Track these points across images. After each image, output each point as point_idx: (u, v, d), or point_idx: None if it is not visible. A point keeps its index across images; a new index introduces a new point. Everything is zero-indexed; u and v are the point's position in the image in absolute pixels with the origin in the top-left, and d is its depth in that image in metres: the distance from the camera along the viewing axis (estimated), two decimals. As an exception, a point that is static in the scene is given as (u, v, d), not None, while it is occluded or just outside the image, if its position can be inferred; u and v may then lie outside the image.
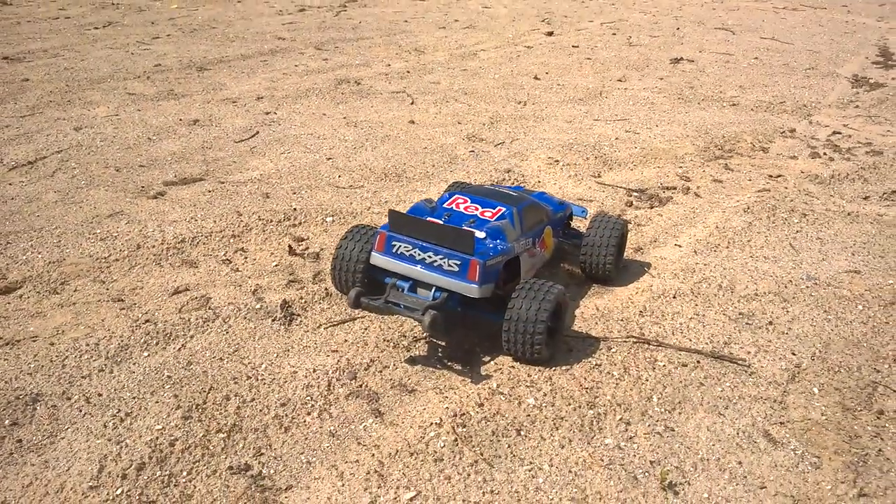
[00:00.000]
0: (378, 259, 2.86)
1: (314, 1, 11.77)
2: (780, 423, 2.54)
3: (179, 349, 2.86)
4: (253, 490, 2.20)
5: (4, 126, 5.31)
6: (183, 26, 9.36)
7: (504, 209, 3.05)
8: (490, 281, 2.74)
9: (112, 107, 5.91)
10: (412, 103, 6.43)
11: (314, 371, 2.75)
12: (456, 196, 3.17)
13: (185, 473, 2.25)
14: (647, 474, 2.30)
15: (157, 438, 2.37)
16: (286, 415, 2.53)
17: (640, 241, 3.95)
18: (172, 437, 2.38)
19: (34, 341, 2.86)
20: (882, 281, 3.55)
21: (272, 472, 2.29)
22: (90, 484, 2.17)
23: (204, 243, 3.72)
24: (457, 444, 2.39)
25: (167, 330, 2.96)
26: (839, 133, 5.89)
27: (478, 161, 5.05)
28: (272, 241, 3.81)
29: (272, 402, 2.58)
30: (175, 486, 2.20)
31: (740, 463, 2.36)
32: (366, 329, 3.06)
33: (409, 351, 2.92)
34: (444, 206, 3.11)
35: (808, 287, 3.46)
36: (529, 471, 2.30)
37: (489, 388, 2.69)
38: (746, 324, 3.14)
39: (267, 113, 5.99)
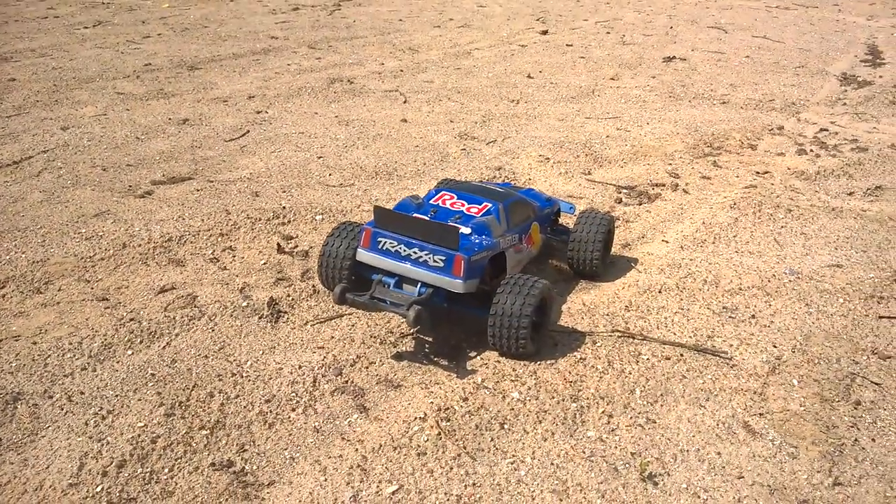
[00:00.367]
0: (364, 255, 2.88)
1: (308, 0, 11.76)
2: (760, 414, 2.57)
3: (164, 347, 2.87)
4: (235, 486, 2.21)
5: (-7, 126, 5.31)
6: (174, 25, 9.35)
7: (490, 205, 3.06)
8: (475, 276, 2.75)
9: (100, 106, 5.91)
10: (405, 102, 6.44)
11: (300, 368, 2.77)
12: (442, 192, 3.19)
13: (166, 470, 2.26)
14: (627, 466, 2.32)
15: (139, 436, 2.38)
16: (270, 411, 2.54)
17: (628, 238, 3.97)
18: (154, 435, 2.39)
19: (16, 340, 2.86)
20: (863, 274, 3.58)
21: (255, 467, 2.30)
22: (69, 481, 2.18)
23: (191, 242, 3.72)
24: (440, 438, 2.41)
25: (152, 328, 2.97)
26: (826, 130, 5.93)
27: (469, 159, 5.07)
28: (261, 239, 3.82)
29: (257, 398, 2.59)
30: (156, 482, 2.21)
31: (719, 453, 2.38)
32: (353, 326, 3.07)
33: (395, 347, 2.94)
34: (431, 202, 3.13)
35: (790, 281, 3.48)
36: (512, 463, 2.32)
37: (474, 382, 2.70)
38: (730, 317, 3.17)
39: (258, 112, 5.99)
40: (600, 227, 3.35)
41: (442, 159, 5.04)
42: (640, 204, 4.42)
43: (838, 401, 2.67)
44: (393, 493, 2.20)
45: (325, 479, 2.24)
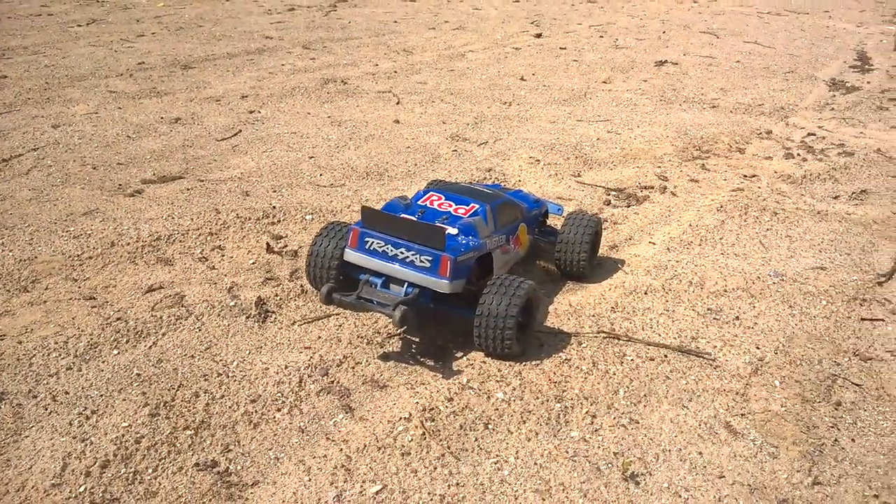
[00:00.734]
0: (351, 255, 2.89)
1: (304, 0, 11.77)
2: (742, 414, 2.59)
3: (150, 347, 2.87)
4: (219, 486, 2.22)
5: (-17, 124, 5.29)
6: (169, 24, 9.34)
7: (477, 206, 3.08)
8: (461, 277, 2.77)
9: (92, 104, 5.90)
10: (398, 103, 6.46)
11: (286, 368, 2.77)
12: (430, 193, 3.21)
13: (150, 470, 2.26)
14: (610, 465, 2.34)
15: (123, 436, 2.38)
16: (256, 411, 2.55)
17: (616, 239, 3.99)
18: (139, 435, 2.39)
19: (2, 340, 2.86)
20: (846, 277, 3.61)
21: (239, 468, 2.30)
22: (52, 482, 2.18)
23: (180, 241, 3.73)
24: (424, 438, 2.42)
25: (138, 328, 2.97)
26: (814, 135, 5.98)
27: (460, 160, 5.09)
28: (250, 238, 3.82)
29: (242, 398, 2.60)
30: (140, 483, 2.21)
31: (701, 453, 2.40)
32: (340, 326, 3.08)
33: (382, 347, 2.95)
34: (419, 202, 3.14)
35: (774, 283, 3.52)
36: (495, 463, 2.34)
37: (459, 382, 2.72)
38: (714, 319, 3.20)
39: (251, 111, 5.99)
40: (587, 228, 3.38)
41: (433, 160, 5.06)
42: (629, 206, 4.45)
43: (819, 401, 2.70)
44: (377, 492, 2.21)
45: (310, 480, 2.25)
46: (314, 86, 6.79)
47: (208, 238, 3.78)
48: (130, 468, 2.26)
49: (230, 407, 2.56)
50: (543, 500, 2.20)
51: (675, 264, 3.68)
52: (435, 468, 2.31)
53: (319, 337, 2.99)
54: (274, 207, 4.14)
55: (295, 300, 3.26)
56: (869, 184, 4.95)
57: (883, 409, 2.70)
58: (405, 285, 2.80)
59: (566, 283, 3.50)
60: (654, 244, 3.94)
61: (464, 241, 2.85)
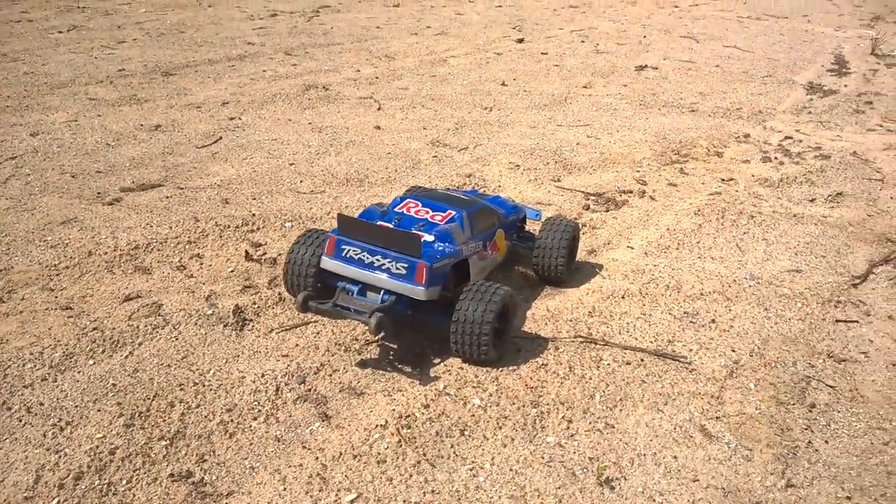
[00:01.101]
0: (328, 263, 2.89)
1: (286, 6, 11.75)
2: (716, 417, 2.62)
3: (126, 357, 2.85)
4: (194, 497, 2.21)
5: (-41, 132, 5.24)
6: (150, 30, 9.29)
7: (454, 213, 3.10)
8: (437, 283, 2.78)
9: (71, 112, 5.86)
10: (379, 109, 6.46)
11: (263, 376, 2.77)
12: (407, 200, 3.21)
13: (124, 482, 2.24)
14: (585, 470, 2.36)
15: (98, 447, 2.36)
16: (232, 420, 2.54)
17: (594, 244, 4.02)
18: (113, 446, 2.37)
19: (-24, 350, 2.83)
20: (822, 279, 3.66)
21: (214, 478, 2.29)
22: (25, 494, 2.16)
23: (158, 250, 3.71)
24: (400, 446, 2.42)
25: (115, 337, 2.95)
26: (791, 138, 6.05)
27: (440, 166, 5.10)
28: (229, 246, 3.81)
29: (218, 408, 2.59)
30: (114, 494, 2.20)
31: (675, 457, 2.42)
32: (318, 333, 3.08)
33: (360, 354, 2.95)
34: (395, 210, 3.15)
35: (750, 286, 3.56)
36: (471, 470, 2.34)
37: (436, 389, 2.72)
38: (690, 322, 3.23)
39: (232, 118, 5.98)
40: (565, 233, 3.40)
41: (413, 166, 5.07)
42: (608, 210, 4.48)
43: (793, 404, 2.74)
44: (352, 501, 2.21)
45: (285, 489, 2.25)
46: (295, 92, 6.78)
47: (187, 246, 3.76)
48: (104, 480, 2.25)
49: (206, 416, 2.55)
50: (519, 505, 2.21)
51: (652, 268, 3.71)
52: (410, 475, 2.31)
53: (297, 345, 2.99)
54: (253, 215, 4.13)
55: (273, 308, 3.25)
56: (845, 186, 5.02)
57: (856, 410, 2.74)
58: (381, 292, 2.80)
59: (544, 287, 3.51)
60: (632, 248, 3.97)
61: (440, 248, 2.86)
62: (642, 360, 2.93)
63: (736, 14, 13.25)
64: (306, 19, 10.74)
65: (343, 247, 2.83)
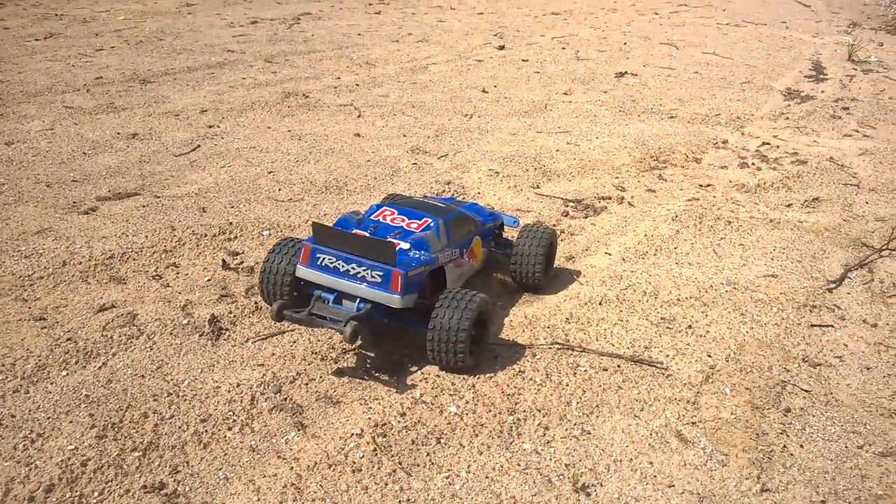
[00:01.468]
0: (303, 272, 2.87)
1: (267, 13, 11.72)
2: (692, 423, 2.63)
3: (100, 367, 2.82)
4: (166, 507, 2.18)
5: (-69, 141, 5.15)
6: (129, 38, 9.22)
7: (430, 220, 3.09)
8: (412, 291, 2.77)
9: (48, 121, 5.79)
10: (359, 116, 6.46)
11: (238, 386, 2.74)
12: (384, 208, 3.21)
13: (96, 494, 2.21)
14: (561, 477, 2.35)
15: (69, 459, 2.33)
16: (206, 431, 2.51)
17: (573, 250, 4.04)
18: (85, 458, 2.34)
19: (-55, 362, 2.78)
20: (797, 284, 3.70)
21: (188, 489, 2.26)
22: (-8, 507, 2.12)
23: (134, 259, 3.67)
24: (376, 454, 2.41)
25: (88, 348, 2.91)
26: (768, 144, 6.13)
27: (419, 173, 5.10)
28: (206, 255, 3.78)
29: (192, 418, 2.56)
30: (84, 506, 2.16)
31: (651, 463, 2.43)
32: (294, 342, 3.06)
33: (336, 363, 2.93)
34: (371, 217, 3.14)
35: (727, 291, 3.59)
36: (447, 478, 2.33)
37: (413, 397, 2.71)
38: (667, 328, 3.25)
39: (210, 126, 5.94)
40: (542, 240, 3.41)
41: (393, 174, 5.07)
42: (586, 217, 4.51)
43: (769, 408, 2.76)
44: (326, 510, 2.19)
45: (259, 499, 2.22)
46: (275, 99, 6.76)
47: (163, 255, 3.72)
48: (76, 492, 2.21)
49: (180, 427, 2.52)
50: (494, 513, 2.20)
51: (629, 274, 3.73)
52: (386, 484, 2.30)
53: (273, 354, 2.97)
54: (231, 223, 4.10)
55: (249, 317, 3.22)
56: (821, 191, 5.09)
57: (831, 414, 2.76)
58: (357, 301, 2.79)
59: (522, 294, 3.52)
60: (609, 255, 3.99)
61: (415, 256, 2.85)
62: (619, 366, 2.95)
63: (715, 21, 13.42)
64: (287, 27, 10.71)
65: (318, 255, 2.82)
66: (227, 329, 3.12)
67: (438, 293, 2.97)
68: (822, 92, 8.16)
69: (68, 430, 2.46)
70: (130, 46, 8.73)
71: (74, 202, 4.34)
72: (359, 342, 2.99)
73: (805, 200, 4.89)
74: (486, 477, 2.34)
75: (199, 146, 5.43)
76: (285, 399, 2.69)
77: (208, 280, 3.54)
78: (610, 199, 4.78)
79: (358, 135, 5.90)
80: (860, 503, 2.34)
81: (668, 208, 4.65)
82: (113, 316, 3.17)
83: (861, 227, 4.50)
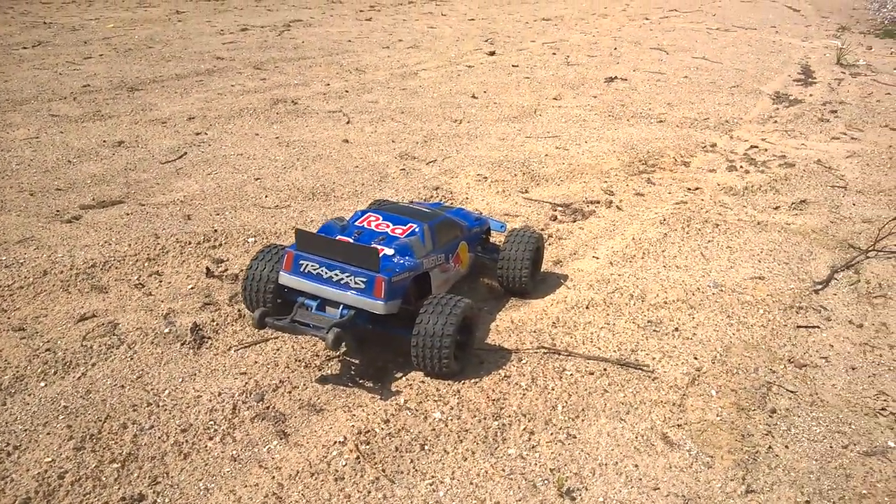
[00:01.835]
0: (286, 279, 2.85)
1: (258, 20, 11.72)
2: (678, 425, 2.61)
3: (79, 378, 2.78)
4: (144, 519, 2.14)
5: (-86, 151, 5.11)
6: (118, 46, 9.19)
7: (415, 226, 3.07)
8: (396, 297, 2.75)
9: (33, 129, 5.75)
10: (348, 122, 6.44)
11: (219, 395, 2.71)
12: (368, 214, 3.19)
13: (72, 505, 2.17)
14: (546, 482, 2.33)
15: (46, 472, 2.29)
16: (186, 441, 2.47)
17: (560, 255, 4.02)
18: (62, 470, 2.30)
19: (-80, 374, 2.73)
20: (784, 286, 3.70)
21: (167, 500, 2.23)
22: (-36, 521, 2.08)
23: (116, 268, 3.63)
24: (359, 462, 2.38)
25: (67, 358, 2.87)
26: (756, 147, 6.14)
27: (408, 179, 5.08)
28: (190, 263, 3.74)
29: (172, 428, 2.52)
30: (59, 518, 2.12)
31: (636, 466, 2.41)
32: (278, 350, 3.03)
33: (320, 370, 2.90)
34: (356, 224, 3.12)
35: (714, 294, 3.58)
36: (430, 485, 2.31)
37: (397, 403, 2.68)
38: (654, 331, 3.23)
39: (197, 133, 5.91)
40: (528, 244, 3.39)
41: (381, 179, 5.05)
42: (575, 221, 4.50)
43: (755, 409, 2.74)
44: (307, 520, 2.16)
45: (238, 509, 2.19)
46: (263, 106, 6.74)
47: (146, 264, 3.69)
48: (51, 506, 2.17)
49: (160, 437, 2.48)
50: (478, 520, 2.18)
51: (617, 278, 3.72)
52: (369, 492, 2.27)
53: (256, 362, 2.94)
54: (216, 231, 4.07)
55: (233, 325, 3.19)
56: (808, 194, 5.10)
57: (816, 414, 2.75)
58: (341, 307, 2.77)
59: (509, 299, 3.50)
60: (597, 258, 3.97)
61: (399, 262, 2.83)
62: (605, 369, 2.93)
63: (705, 26, 13.49)
64: (277, 34, 10.71)
65: (301, 262, 2.79)
66: (209, 337, 3.09)
67: (423, 299, 2.95)
68: (811, 95, 8.20)
69: (46, 441, 2.43)
70: (119, 54, 8.71)
71: (58, 211, 4.30)
72: (343, 349, 2.96)
73: (792, 203, 4.90)
74: (471, 483, 2.31)
75: (185, 153, 5.41)
76: (268, 407, 2.66)
77: (191, 288, 3.50)
78: (598, 202, 4.78)
79: (346, 141, 5.88)
80: (845, 503, 2.32)
81: (657, 212, 4.65)
82: (93, 325, 3.13)
83: (848, 229, 4.50)
